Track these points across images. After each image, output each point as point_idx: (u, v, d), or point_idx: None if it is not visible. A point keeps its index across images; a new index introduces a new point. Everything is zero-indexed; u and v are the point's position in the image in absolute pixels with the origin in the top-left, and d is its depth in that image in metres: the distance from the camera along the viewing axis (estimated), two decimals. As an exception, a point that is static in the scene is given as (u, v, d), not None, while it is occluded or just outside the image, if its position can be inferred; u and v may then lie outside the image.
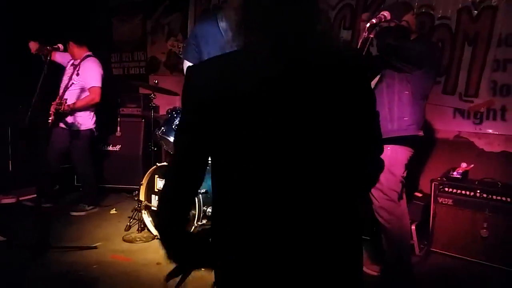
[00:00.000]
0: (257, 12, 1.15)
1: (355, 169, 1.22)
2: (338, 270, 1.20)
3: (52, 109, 4.18)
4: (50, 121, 4.16)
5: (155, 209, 3.89)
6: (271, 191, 1.14)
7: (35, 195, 4.58)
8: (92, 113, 4.61)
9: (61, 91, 4.43)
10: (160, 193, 1.30)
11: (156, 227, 1.34)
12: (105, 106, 5.33)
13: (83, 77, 4.48)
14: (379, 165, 1.30)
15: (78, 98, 4.45)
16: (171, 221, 1.28)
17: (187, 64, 3.17)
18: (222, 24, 2.84)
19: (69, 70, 4.59)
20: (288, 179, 1.14)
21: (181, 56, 3.99)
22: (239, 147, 1.15)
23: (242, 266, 1.19)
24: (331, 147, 1.16)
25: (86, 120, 4.55)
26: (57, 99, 4.26)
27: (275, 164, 1.14)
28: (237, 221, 1.19)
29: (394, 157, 2.80)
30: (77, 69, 4.46)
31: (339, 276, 1.21)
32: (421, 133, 2.90)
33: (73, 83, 4.44)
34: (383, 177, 2.79)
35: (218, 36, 2.79)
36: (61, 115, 4.25)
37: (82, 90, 4.46)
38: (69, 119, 4.43)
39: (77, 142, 4.52)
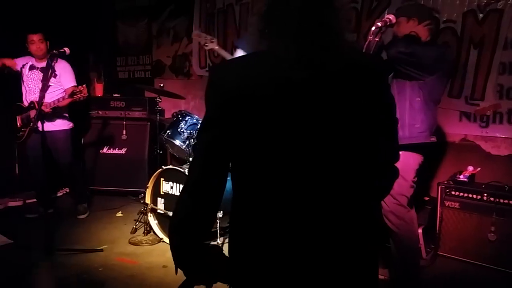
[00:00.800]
0: (285, 17, 1.17)
1: (372, 175, 1.23)
2: (356, 276, 1.21)
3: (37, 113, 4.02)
4: (26, 130, 4.19)
5: (161, 212, 3.90)
6: (290, 191, 1.15)
7: (35, 200, 4.67)
8: (67, 115, 4.57)
9: (35, 95, 4.27)
10: (181, 191, 1.26)
11: (170, 228, 1.26)
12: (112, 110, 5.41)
13: (63, 78, 4.44)
14: (395, 173, 1.31)
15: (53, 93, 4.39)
16: (188, 223, 1.20)
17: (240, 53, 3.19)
18: None
19: (35, 73, 4.40)
20: (307, 181, 1.15)
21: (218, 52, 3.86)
22: (259, 147, 1.16)
23: (260, 267, 1.19)
24: (350, 152, 1.18)
25: (65, 121, 4.52)
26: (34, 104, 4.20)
27: (294, 166, 1.15)
28: (257, 221, 1.19)
29: (406, 162, 2.77)
30: (53, 71, 4.27)
31: (357, 281, 1.22)
32: (433, 139, 2.87)
33: (50, 85, 4.27)
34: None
35: None
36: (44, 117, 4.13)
37: (60, 91, 4.40)
38: (49, 121, 4.34)
39: (60, 143, 4.46)
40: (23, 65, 4.46)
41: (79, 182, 4.75)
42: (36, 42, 4.34)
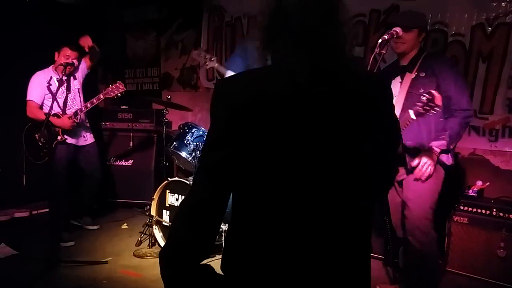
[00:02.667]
0: (286, 31, 1.14)
1: (371, 186, 1.21)
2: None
3: (69, 123, 4.14)
4: (59, 138, 4.17)
5: (166, 224, 3.88)
6: (296, 208, 1.12)
7: (47, 209, 4.64)
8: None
9: (75, 107, 4.32)
10: (181, 210, 1.18)
11: (165, 252, 1.16)
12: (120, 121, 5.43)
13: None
14: (391, 182, 1.32)
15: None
16: (187, 246, 1.13)
17: (230, 74, 3.23)
18: None
19: (62, 87, 4.15)
20: (316, 198, 1.12)
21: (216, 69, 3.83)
22: (270, 163, 1.12)
23: (260, 282, 1.15)
24: (357, 170, 1.16)
25: (91, 133, 4.56)
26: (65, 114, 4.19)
27: (303, 182, 1.12)
28: (261, 237, 1.15)
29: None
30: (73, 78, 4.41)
31: None
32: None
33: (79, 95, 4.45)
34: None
35: None
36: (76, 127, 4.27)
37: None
38: (82, 133, 4.42)
39: (93, 154, 4.51)
40: (49, 83, 4.21)
41: (93, 196, 4.68)
42: (71, 58, 4.21)
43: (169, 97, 4.47)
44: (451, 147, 2.82)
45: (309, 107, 1.10)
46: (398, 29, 2.78)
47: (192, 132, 4.06)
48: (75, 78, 4.40)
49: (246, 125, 1.09)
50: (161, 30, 6.20)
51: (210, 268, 1.19)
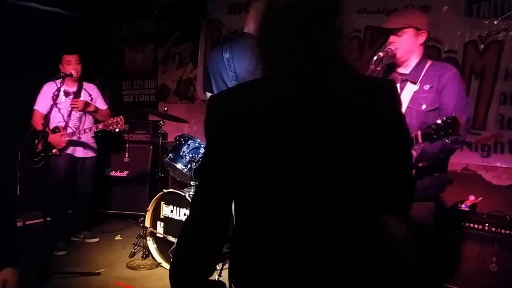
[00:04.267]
0: (272, 39, 1.13)
1: (377, 197, 1.17)
2: None
3: (60, 142, 4.16)
4: (45, 155, 4.15)
5: (161, 236, 3.87)
6: (293, 219, 1.13)
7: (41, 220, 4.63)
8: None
9: (76, 121, 4.37)
10: (182, 229, 1.20)
11: (173, 269, 1.18)
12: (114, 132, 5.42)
13: (98, 101, 4.56)
14: (408, 193, 1.25)
15: (91, 122, 4.48)
16: (191, 263, 1.16)
17: (209, 95, 3.20)
18: (226, 55, 2.83)
19: (67, 98, 4.32)
20: (311, 208, 1.12)
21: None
22: (262, 176, 1.13)
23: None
24: (356, 179, 1.13)
25: (95, 148, 4.58)
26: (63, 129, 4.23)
27: (298, 194, 1.12)
28: (259, 248, 1.15)
29: None
30: (87, 94, 4.47)
31: None
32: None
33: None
34: None
35: (222, 69, 2.79)
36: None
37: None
38: (84, 145, 4.44)
39: (88, 169, 4.52)
40: (54, 94, 4.11)
41: (87, 209, 4.68)
42: (73, 63, 4.28)
43: (165, 108, 4.50)
44: (419, 164, 2.39)
45: (294, 120, 1.10)
46: (393, 47, 2.76)
47: (188, 144, 4.08)
48: (89, 96, 4.46)
49: (234, 143, 1.12)
50: (159, 42, 6.25)
51: (220, 284, 1.20)
